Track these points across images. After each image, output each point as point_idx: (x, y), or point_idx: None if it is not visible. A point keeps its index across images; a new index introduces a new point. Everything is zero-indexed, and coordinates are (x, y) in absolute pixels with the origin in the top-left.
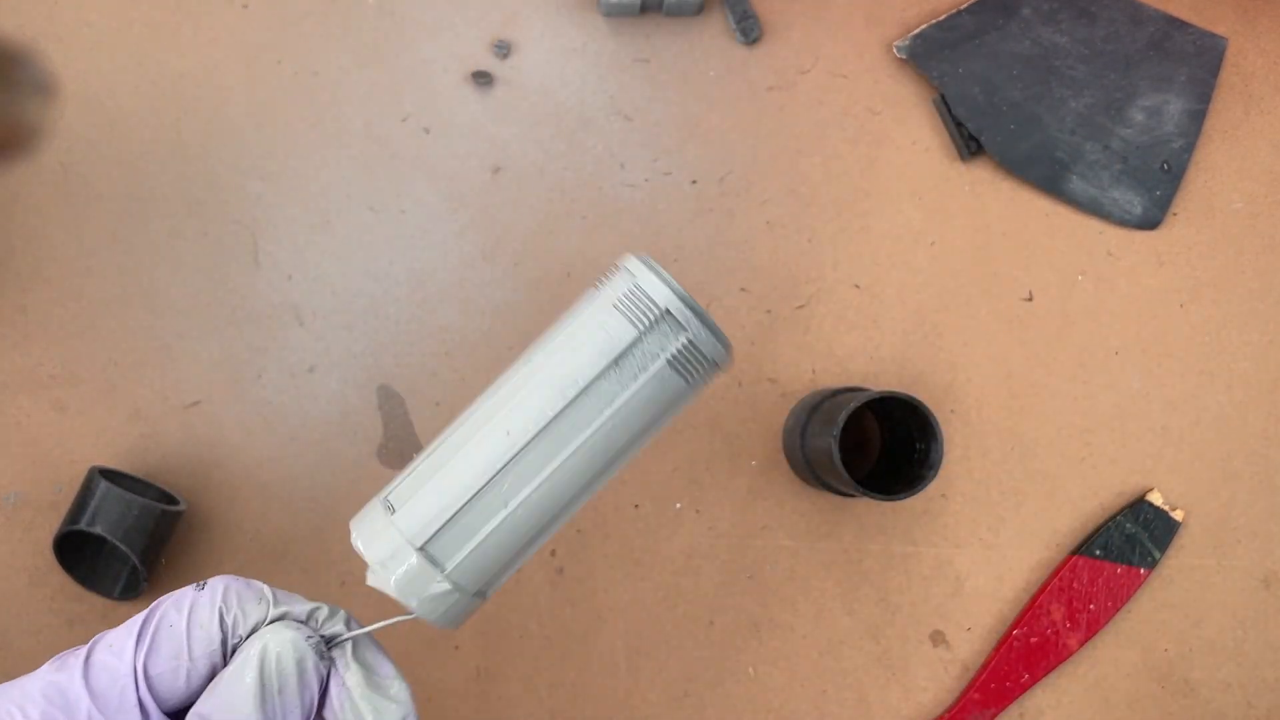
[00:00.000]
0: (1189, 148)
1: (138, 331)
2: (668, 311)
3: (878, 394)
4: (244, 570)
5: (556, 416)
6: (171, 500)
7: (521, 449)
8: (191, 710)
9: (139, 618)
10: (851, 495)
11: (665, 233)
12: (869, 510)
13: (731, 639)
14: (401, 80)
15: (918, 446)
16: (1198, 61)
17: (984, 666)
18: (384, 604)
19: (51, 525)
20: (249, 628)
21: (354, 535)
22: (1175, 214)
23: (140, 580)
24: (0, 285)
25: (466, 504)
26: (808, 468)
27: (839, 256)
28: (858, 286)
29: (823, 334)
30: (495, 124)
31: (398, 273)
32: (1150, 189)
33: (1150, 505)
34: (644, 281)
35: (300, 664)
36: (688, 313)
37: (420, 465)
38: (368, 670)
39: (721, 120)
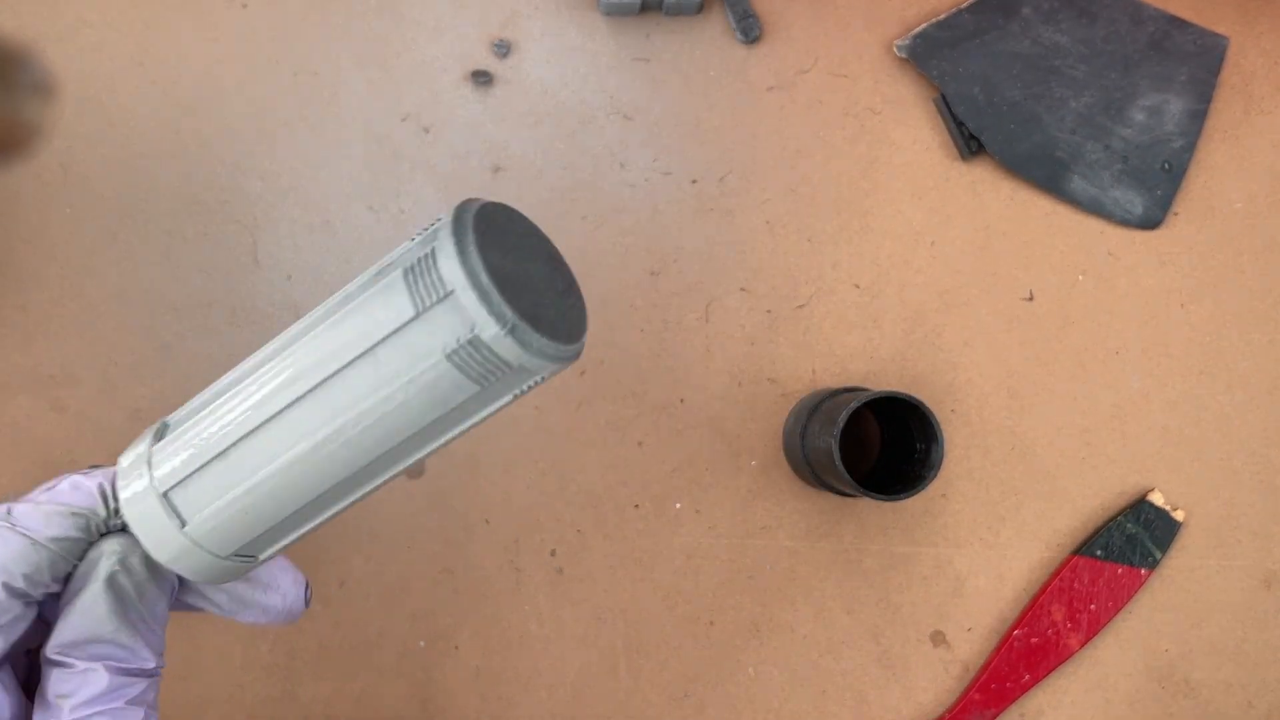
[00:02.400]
0: (1189, 147)
1: (137, 331)
2: (450, 294)
3: (878, 394)
4: None
5: (320, 384)
6: None
7: (281, 410)
8: (50, 645)
9: None
10: (852, 495)
11: (665, 232)
12: (869, 510)
13: (731, 639)
14: (401, 80)
15: (918, 446)
16: (1198, 61)
17: (984, 667)
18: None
19: None
20: (48, 575)
21: (122, 454)
22: (1176, 214)
23: None
24: (0, 285)
25: (216, 457)
26: (808, 468)
27: (839, 256)
28: (858, 286)
29: (823, 334)
30: (495, 123)
31: None
32: (1151, 189)
33: (1151, 505)
34: (441, 247)
35: (146, 561)
36: (475, 300)
37: (202, 395)
38: None
39: (721, 120)
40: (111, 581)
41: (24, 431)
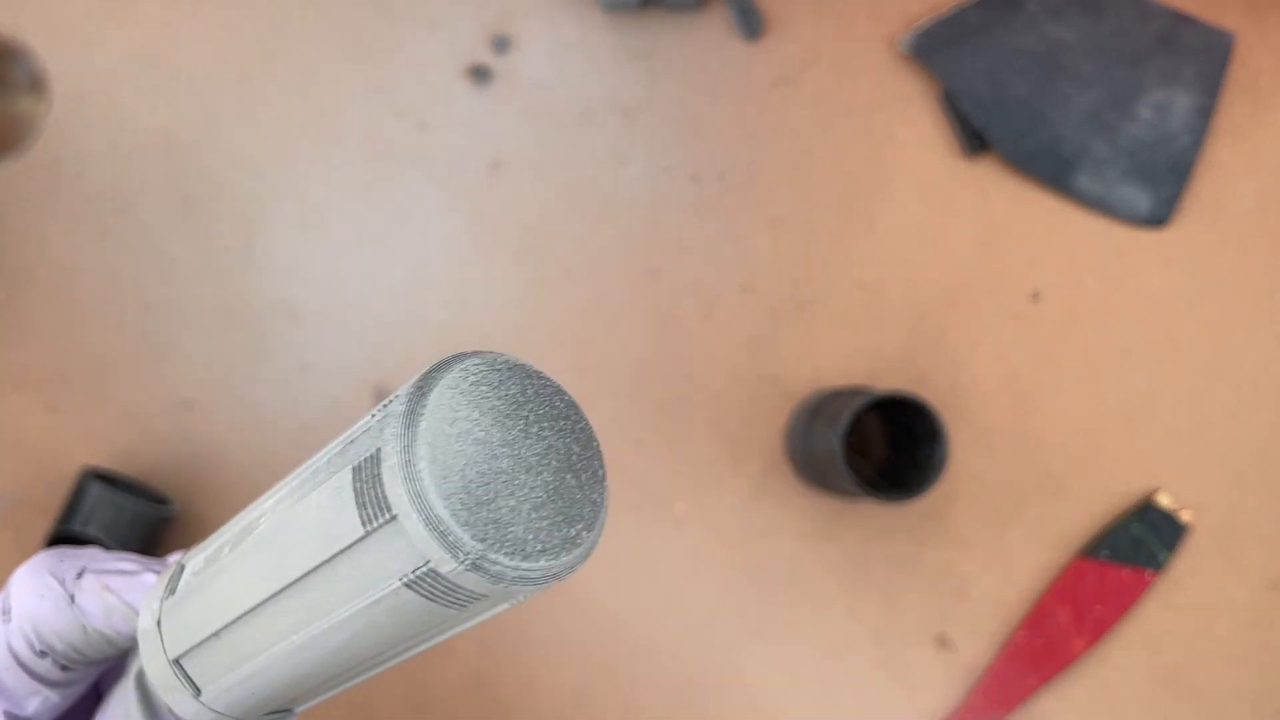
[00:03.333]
0: (1197, 145)
1: (130, 331)
2: (395, 517)
3: (882, 394)
4: None
5: (270, 598)
6: (164, 501)
7: (261, 601)
8: None
9: None
10: (855, 497)
11: (665, 230)
12: (873, 512)
13: (733, 642)
14: (398, 76)
15: (922, 447)
16: (1206, 57)
17: (989, 670)
18: None
19: (43, 526)
20: (89, 652)
21: (152, 615)
22: (1183, 212)
23: None
24: None
25: (223, 629)
26: (811, 469)
27: (842, 254)
28: (861, 285)
29: (826, 333)
30: (493, 120)
31: (394, 271)
32: (1158, 186)
33: (1158, 507)
34: (385, 451)
35: None
36: (426, 534)
37: (216, 537)
38: None
39: (723, 116)
40: (140, 681)
41: (16, 431)
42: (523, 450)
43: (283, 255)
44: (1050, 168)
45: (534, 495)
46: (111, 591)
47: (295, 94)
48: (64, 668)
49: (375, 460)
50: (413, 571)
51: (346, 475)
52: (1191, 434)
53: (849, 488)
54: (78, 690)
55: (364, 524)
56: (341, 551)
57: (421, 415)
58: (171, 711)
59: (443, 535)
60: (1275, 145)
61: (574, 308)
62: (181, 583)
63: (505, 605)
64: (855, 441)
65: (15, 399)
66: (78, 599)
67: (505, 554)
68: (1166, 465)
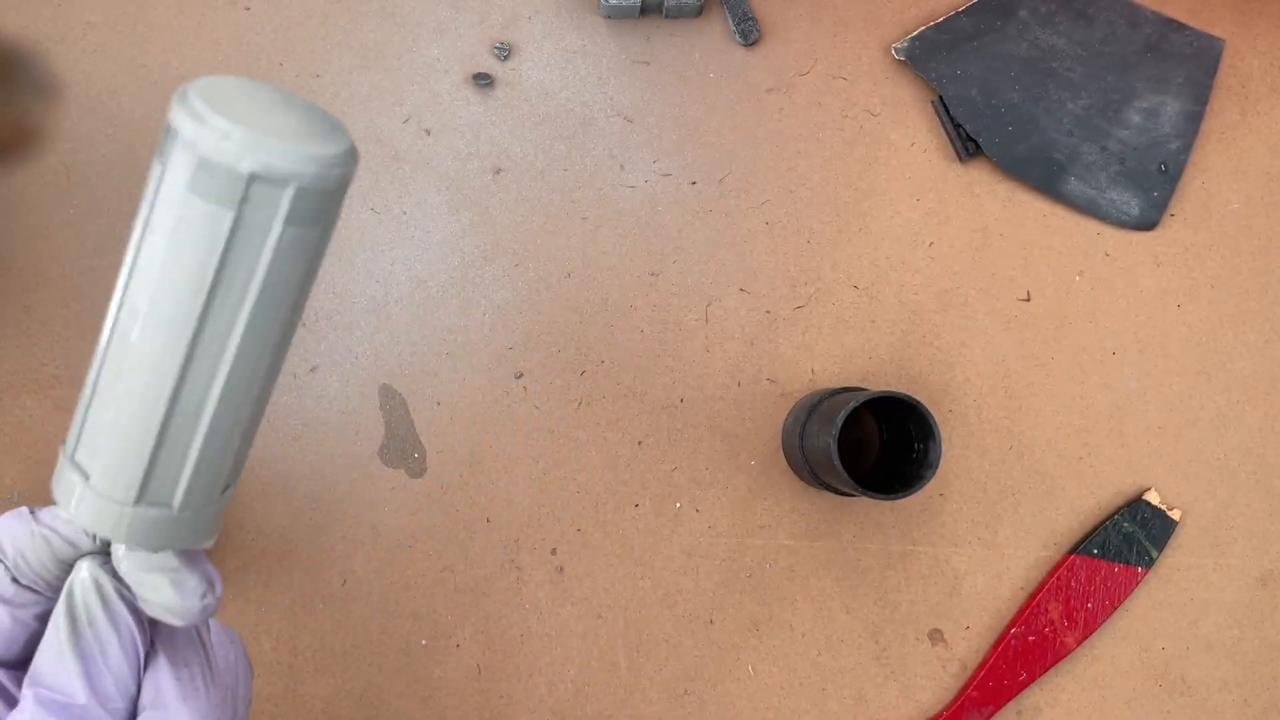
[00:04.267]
0: (1186, 149)
1: None
2: (255, 176)
3: (876, 394)
4: (247, 571)
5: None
6: None
7: (184, 361)
8: (27, 677)
9: None
10: (850, 494)
11: (665, 233)
12: (868, 509)
13: (731, 637)
14: (403, 82)
15: (916, 446)
16: (1195, 63)
17: (982, 665)
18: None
19: None
20: (33, 562)
21: (64, 510)
22: (1172, 215)
23: None
24: (3, 285)
25: (159, 440)
26: (807, 467)
27: (838, 257)
28: (856, 287)
29: (821, 334)
30: (496, 125)
31: (399, 273)
32: (1147, 190)
33: (1148, 504)
34: (209, 148)
35: (101, 590)
36: (282, 164)
37: (89, 412)
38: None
39: (721, 122)
40: (68, 600)
41: (27, 432)
42: (273, 95)
43: None
44: (1042, 172)
45: (288, 108)
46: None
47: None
48: (13, 579)
49: (198, 157)
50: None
51: (185, 202)
52: (1181, 433)
53: (844, 486)
54: (25, 620)
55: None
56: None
57: (196, 114)
58: (100, 608)
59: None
60: (1263, 149)
61: (575, 309)
62: (86, 449)
63: (279, 221)
64: (850, 440)
65: (26, 399)
66: (38, 513)
67: (259, 133)
68: (1156, 463)
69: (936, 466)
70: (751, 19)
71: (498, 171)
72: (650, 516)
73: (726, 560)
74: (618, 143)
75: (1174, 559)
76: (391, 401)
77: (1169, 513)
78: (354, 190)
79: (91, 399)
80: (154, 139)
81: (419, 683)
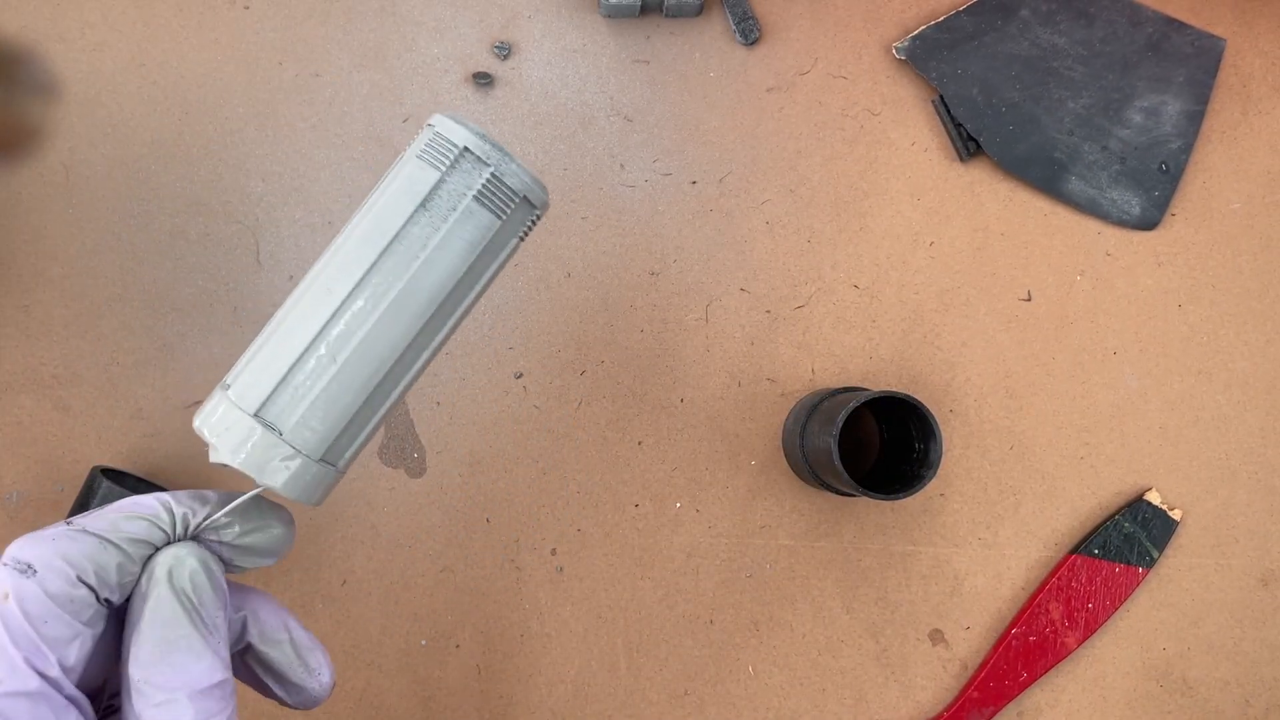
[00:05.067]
0: (1187, 148)
1: (139, 331)
2: (466, 149)
3: (877, 394)
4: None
5: (372, 266)
6: None
7: (342, 303)
8: (132, 666)
9: None
10: (851, 495)
11: (665, 233)
12: (868, 510)
13: (731, 638)
14: (402, 81)
15: (916, 446)
16: (1196, 62)
17: (983, 665)
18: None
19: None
20: (114, 573)
21: (195, 420)
22: (1173, 214)
23: None
24: (3, 285)
25: (295, 364)
26: (807, 467)
27: (838, 257)
28: (857, 286)
29: (822, 334)
30: (496, 125)
31: None
32: (1148, 189)
33: (1148, 504)
34: (443, 128)
35: (206, 568)
36: (487, 148)
37: (254, 343)
38: (245, 521)
39: (721, 121)
40: (171, 579)
41: (27, 431)
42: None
43: (290, 258)
44: (1042, 171)
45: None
46: (105, 512)
47: (302, 98)
48: (96, 597)
49: (437, 135)
50: (482, 182)
51: (411, 162)
52: (1182, 432)
53: (845, 486)
54: (98, 635)
55: (438, 169)
56: (428, 195)
57: (448, 115)
58: (208, 584)
59: (500, 151)
60: (1264, 149)
61: (575, 309)
62: (237, 368)
63: (520, 233)
64: (851, 440)
65: (26, 399)
66: (84, 524)
67: (521, 169)
68: (1157, 463)
69: (937, 467)
70: (752, 18)
71: None
72: (650, 516)
73: (726, 560)
74: (618, 142)
75: (1175, 559)
76: None
77: (1170, 513)
78: (354, 190)
79: (297, 362)
80: (154, 138)
81: (419, 683)
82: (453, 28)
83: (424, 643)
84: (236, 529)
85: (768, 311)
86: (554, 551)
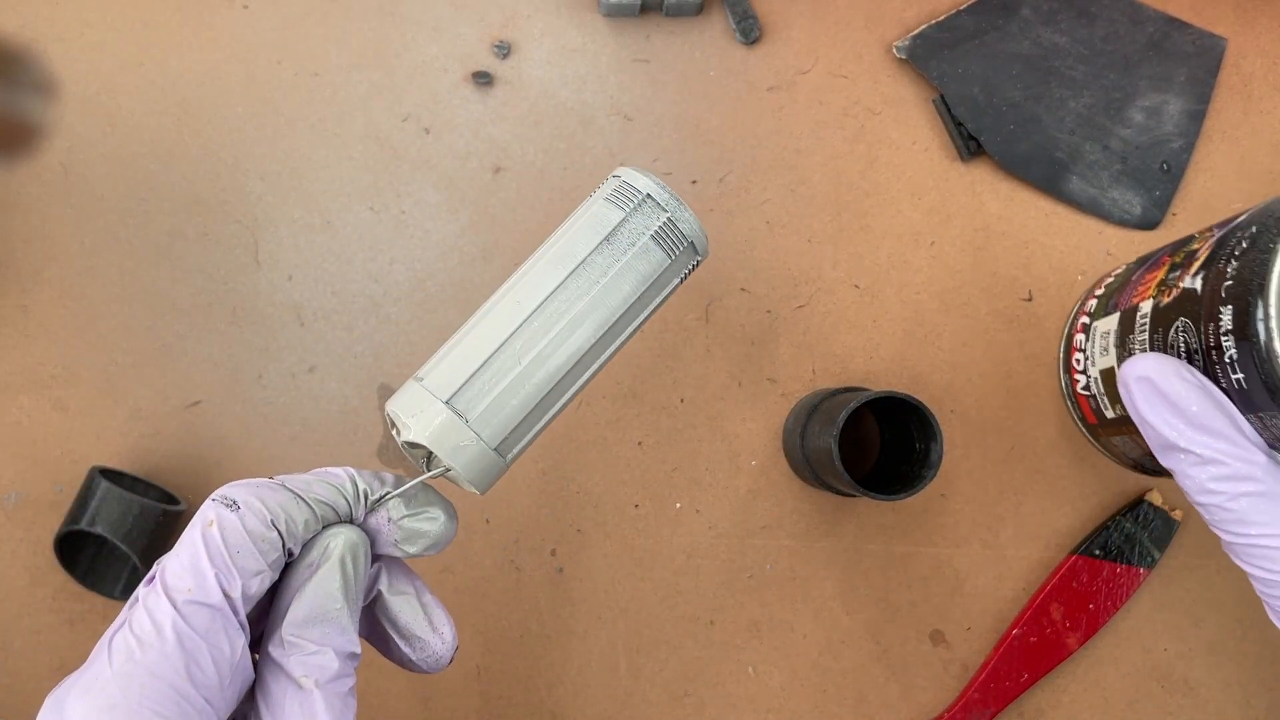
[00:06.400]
0: (1188, 148)
1: (138, 331)
2: (649, 196)
3: (877, 394)
4: None
5: (560, 285)
6: (172, 500)
7: (530, 314)
8: (286, 623)
9: (186, 555)
10: (851, 495)
11: None
12: (869, 510)
13: (731, 638)
14: (402, 81)
15: (917, 446)
16: (1197, 62)
17: (983, 666)
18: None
19: (52, 525)
20: (301, 527)
21: (388, 405)
22: (1174, 214)
23: (141, 580)
24: (1, 285)
25: (485, 363)
26: (807, 467)
27: (838, 256)
28: (857, 286)
29: (822, 334)
30: (495, 124)
31: (398, 273)
32: (1149, 189)
33: (1150, 505)
34: (628, 177)
35: (366, 553)
36: (666, 196)
37: (446, 345)
38: (411, 505)
39: (721, 120)
40: (343, 562)
41: (25, 431)
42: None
43: (289, 257)
44: (1043, 171)
45: None
46: (301, 475)
47: (301, 98)
48: (283, 544)
49: (624, 182)
50: (659, 225)
51: (599, 202)
52: None
53: (845, 486)
54: (269, 583)
55: (623, 209)
56: (612, 231)
57: (633, 167)
58: (366, 569)
59: (676, 200)
60: (1265, 148)
61: None
62: (429, 364)
63: (683, 273)
64: (851, 441)
65: (25, 398)
66: (283, 479)
67: (692, 218)
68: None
69: (938, 467)
70: (752, 17)
71: (497, 170)
72: (650, 517)
73: (727, 561)
74: (618, 141)
75: (1176, 560)
76: None
77: (1171, 513)
78: (353, 189)
79: (488, 361)
80: (153, 138)
81: (418, 684)
82: (452, 27)
83: None
84: (404, 510)
85: (768, 311)
86: (554, 552)
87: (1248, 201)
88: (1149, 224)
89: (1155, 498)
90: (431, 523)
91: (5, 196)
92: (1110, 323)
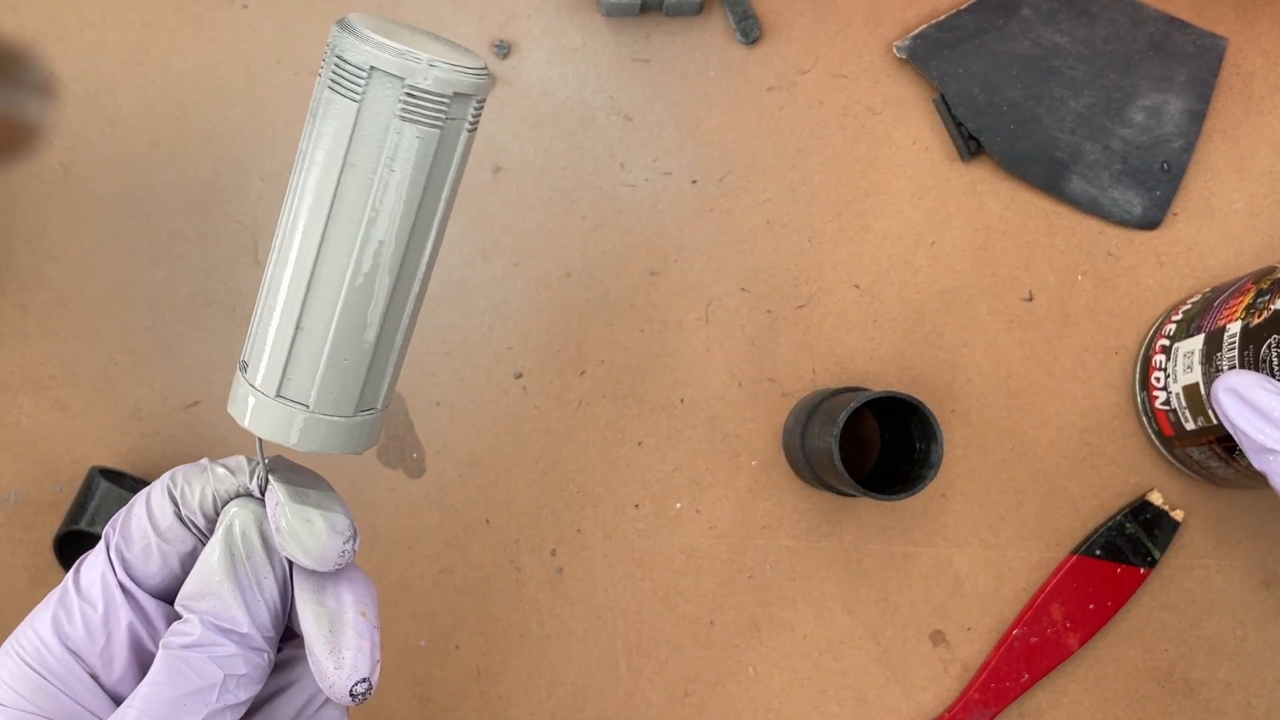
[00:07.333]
0: (1189, 148)
1: (138, 331)
2: (374, 69)
3: (878, 394)
4: None
5: (323, 235)
6: None
7: (312, 273)
8: (179, 595)
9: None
10: (851, 495)
11: (665, 233)
12: (869, 510)
13: (731, 639)
14: None
15: (918, 446)
16: (1198, 61)
17: (984, 666)
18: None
19: (52, 525)
20: (197, 496)
21: (229, 407)
22: (1175, 214)
23: None
24: (0, 285)
25: (294, 340)
26: (808, 467)
27: (839, 256)
28: (858, 286)
29: (823, 334)
30: (495, 124)
31: None
32: (1150, 189)
33: (1151, 505)
34: (342, 49)
35: (262, 530)
36: (395, 60)
37: (254, 316)
38: (297, 489)
39: (721, 120)
40: (227, 534)
41: (25, 431)
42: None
43: None
44: (1044, 171)
45: (430, 39)
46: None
47: (301, 97)
48: (175, 513)
49: (340, 60)
50: (401, 101)
51: (325, 95)
52: None
53: (845, 486)
54: (170, 557)
55: (355, 99)
56: (349, 140)
57: (345, 24)
58: (260, 546)
59: (408, 57)
60: (1266, 148)
61: (575, 308)
62: (247, 354)
63: (467, 128)
64: (851, 441)
65: (24, 399)
66: (214, 462)
67: (440, 67)
68: (1159, 463)
69: (938, 467)
70: (752, 17)
71: (497, 170)
72: (650, 517)
73: (727, 561)
74: (618, 141)
75: (1177, 560)
76: (390, 402)
77: (1172, 513)
78: None
79: (294, 341)
80: (152, 137)
81: (419, 683)
82: (452, 26)
83: (423, 644)
84: (289, 502)
85: (768, 311)
86: (554, 552)
87: (1248, 201)
88: (1149, 224)
89: (1156, 498)
90: (306, 527)
91: (5, 196)
92: (1194, 343)
